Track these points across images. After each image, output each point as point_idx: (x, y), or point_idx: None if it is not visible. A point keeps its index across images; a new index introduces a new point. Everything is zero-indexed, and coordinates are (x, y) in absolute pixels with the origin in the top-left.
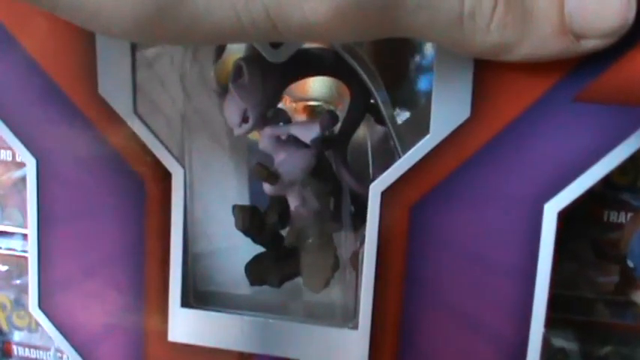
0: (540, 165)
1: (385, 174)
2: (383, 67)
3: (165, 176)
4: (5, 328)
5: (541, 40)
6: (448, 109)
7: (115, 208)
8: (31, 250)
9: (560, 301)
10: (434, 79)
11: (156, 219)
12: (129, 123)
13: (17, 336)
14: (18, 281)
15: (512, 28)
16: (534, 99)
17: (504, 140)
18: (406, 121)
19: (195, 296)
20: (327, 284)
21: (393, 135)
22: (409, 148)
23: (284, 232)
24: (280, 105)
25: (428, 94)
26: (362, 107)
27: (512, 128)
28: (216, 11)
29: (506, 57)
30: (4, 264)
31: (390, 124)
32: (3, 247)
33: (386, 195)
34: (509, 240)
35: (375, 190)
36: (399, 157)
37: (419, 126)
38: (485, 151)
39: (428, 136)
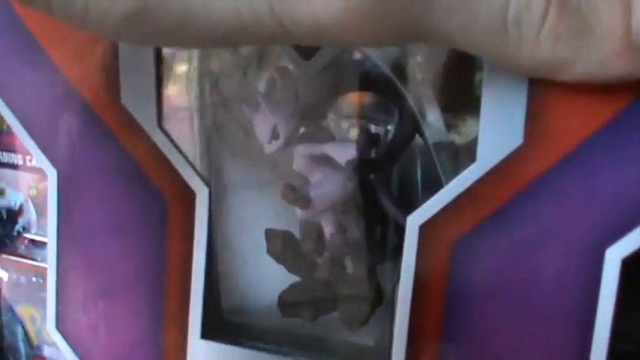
0: (603, 203)
1: (425, 205)
2: (440, 85)
3: (189, 195)
4: (35, 341)
5: (601, 59)
6: (498, 134)
7: (137, 227)
8: (50, 267)
9: (623, 358)
10: (482, 99)
11: (178, 241)
12: (152, 137)
13: (47, 351)
14: None
15: (567, 41)
16: (598, 126)
17: (561, 172)
18: (455, 147)
19: (219, 326)
20: (365, 322)
21: (437, 162)
22: (453, 177)
23: (320, 260)
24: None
25: None
26: (410, 128)
27: (570, 159)
28: (214, 4)
29: (559, 76)
30: (36, 276)
31: (433, 150)
32: (38, 258)
33: (425, 229)
34: (565, 286)
35: (413, 223)
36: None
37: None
38: (538, 183)
39: (474, 164)
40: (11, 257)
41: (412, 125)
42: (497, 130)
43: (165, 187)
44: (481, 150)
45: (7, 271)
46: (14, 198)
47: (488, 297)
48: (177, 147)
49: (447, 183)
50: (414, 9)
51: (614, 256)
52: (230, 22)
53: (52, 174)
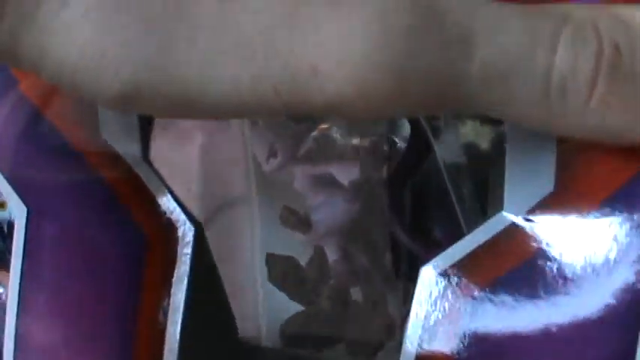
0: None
1: (442, 255)
2: None
3: (173, 233)
4: None
5: None
6: (526, 180)
7: (111, 267)
8: (9, 313)
9: None
10: (508, 141)
11: (156, 284)
12: (137, 170)
13: None
14: None
15: (620, 111)
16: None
17: (596, 223)
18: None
19: None
20: (374, 354)
21: (449, 186)
22: (473, 214)
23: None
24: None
25: None
26: (423, 146)
27: (606, 207)
28: (213, 89)
29: (615, 142)
30: None
31: (444, 171)
32: None
33: (441, 280)
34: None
35: (429, 271)
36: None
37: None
38: (571, 235)
39: (500, 214)
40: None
41: (425, 142)
42: (525, 175)
43: (148, 227)
44: (508, 197)
45: (4, 287)
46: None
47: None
48: (163, 181)
49: (460, 209)
50: (439, 85)
51: None
52: (231, 105)
53: (21, 212)
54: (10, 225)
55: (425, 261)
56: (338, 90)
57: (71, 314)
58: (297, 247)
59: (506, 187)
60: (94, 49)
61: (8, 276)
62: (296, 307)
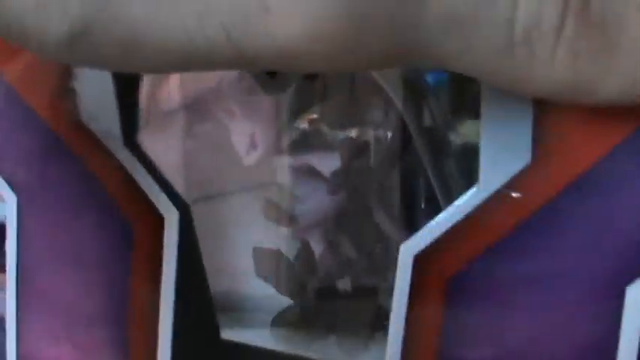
0: (623, 231)
1: (419, 234)
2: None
3: (158, 220)
4: None
5: (630, 82)
6: (502, 152)
7: (100, 256)
8: (9, 302)
9: None
10: (482, 113)
11: (144, 272)
12: (119, 156)
13: None
14: None
15: (588, 61)
16: (619, 140)
17: (575, 196)
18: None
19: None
20: (365, 346)
21: (433, 180)
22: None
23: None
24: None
25: None
26: (409, 135)
27: (586, 180)
28: (163, 30)
29: (584, 101)
30: None
31: (429, 165)
32: None
33: (419, 260)
34: (578, 330)
35: (406, 253)
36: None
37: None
38: (549, 209)
39: (474, 188)
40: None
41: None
42: (501, 147)
43: (131, 212)
44: (483, 171)
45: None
46: (4, 211)
47: (488, 340)
48: (146, 167)
49: (443, 197)
50: (396, 33)
51: (636, 295)
52: (182, 48)
53: (11, 200)
54: (1, 225)
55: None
56: (288, 30)
57: (62, 306)
58: (283, 241)
59: (482, 160)
60: None
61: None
62: (285, 301)
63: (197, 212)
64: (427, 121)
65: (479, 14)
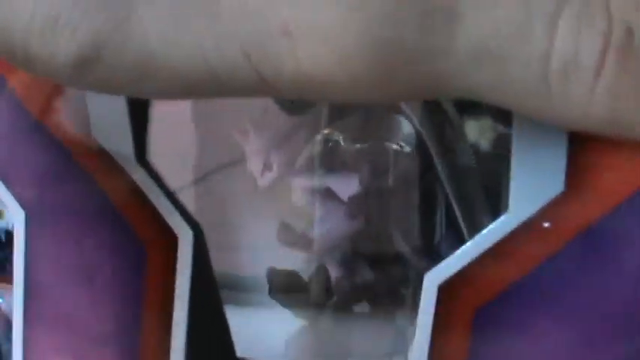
0: None
1: (444, 262)
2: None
3: (171, 240)
4: None
5: None
6: (534, 179)
7: (111, 277)
8: (15, 321)
9: None
10: (514, 135)
11: (158, 293)
12: (131, 174)
13: None
14: None
15: (630, 98)
16: None
17: (609, 227)
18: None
19: None
20: None
21: (455, 205)
22: (479, 228)
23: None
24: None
25: None
26: (429, 155)
27: (621, 211)
28: (178, 52)
29: (621, 136)
30: None
31: (450, 189)
32: None
33: (444, 290)
34: None
35: (431, 282)
36: (463, 239)
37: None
38: (581, 240)
39: (504, 216)
40: (7, 285)
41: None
42: (534, 174)
43: (144, 231)
44: (514, 198)
45: (3, 298)
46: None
47: None
48: (160, 185)
49: (470, 222)
50: (424, 63)
51: None
52: (199, 73)
53: (19, 215)
54: (9, 234)
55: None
56: (309, 54)
57: (73, 323)
58: (299, 262)
59: (512, 186)
60: (47, 9)
61: (7, 287)
62: (299, 323)
63: (209, 232)
64: (447, 139)
65: (512, 47)
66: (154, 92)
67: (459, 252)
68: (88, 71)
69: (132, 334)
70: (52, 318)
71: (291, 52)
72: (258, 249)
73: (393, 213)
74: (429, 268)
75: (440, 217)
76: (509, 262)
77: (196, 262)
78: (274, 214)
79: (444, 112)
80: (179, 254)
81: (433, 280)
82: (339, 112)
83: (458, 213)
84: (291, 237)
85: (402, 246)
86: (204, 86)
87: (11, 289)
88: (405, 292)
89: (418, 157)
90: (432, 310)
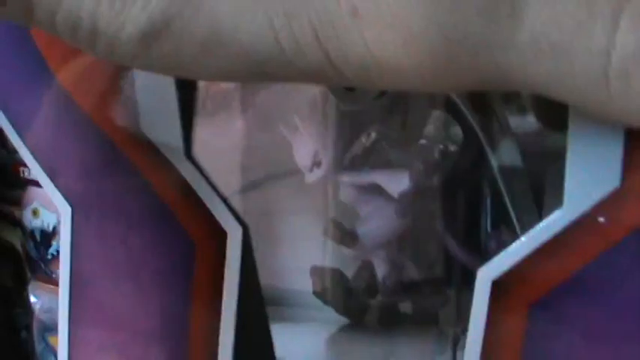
0: None
1: (499, 257)
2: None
3: (220, 236)
4: None
5: None
6: (589, 174)
7: (159, 272)
8: (61, 314)
9: None
10: (570, 129)
11: (206, 289)
12: (179, 169)
13: None
14: None
15: None
16: None
17: None
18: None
19: None
20: None
21: (508, 203)
22: (531, 223)
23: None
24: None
25: None
26: (475, 153)
27: None
28: (248, 25)
29: None
30: None
31: (502, 186)
32: None
33: (498, 286)
34: None
35: (484, 277)
36: (516, 234)
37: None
38: (638, 236)
39: (559, 210)
40: (45, 284)
41: (477, 147)
42: (589, 169)
43: (192, 226)
44: (568, 193)
45: (39, 297)
46: (48, 219)
47: None
48: (208, 180)
49: (518, 218)
50: (486, 52)
51: None
52: (266, 48)
53: (65, 211)
54: (44, 233)
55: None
56: (376, 36)
57: (119, 320)
58: (343, 259)
59: (567, 181)
60: None
61: (43, 286)
62: (342, 321)
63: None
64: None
65: (573, 42)
66: (217, 71)
67: (512, 247)
68: (155, 45)
69: (179, 330)
70: (97, 315)
71: (359, 34)
72: (301, 245)
73: (439, 211)
74: (476, 265)
75: (485, 215)
76: (564, 258)
77: (243, 259)
78: (320, 210)
79: (492, 109)
80: (228, 251)
81: (487, 275)
82: (387, 109)
83: (510, 209)
84: (340, 234)
85: (451, 244)
86: (270, 65)
87: (47, 289)
88: (449, 291)
89: (464, 155)
90: (485, 305)
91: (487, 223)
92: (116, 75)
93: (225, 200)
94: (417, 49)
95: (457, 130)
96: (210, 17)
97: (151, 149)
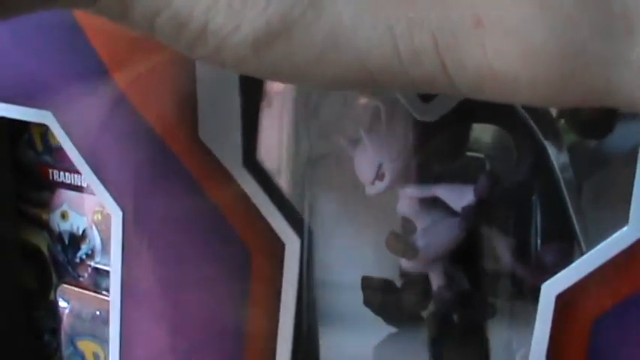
0: None
1: (563, 273)
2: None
3: (278, 247)
4: None
5: None
6: None
7: (213, 281)
8: (112, 320)
9: None
10: None
11: (262, 300)
12: (236, 178)
13: None
14: None
15: None
16: None
17: None
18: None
19: None
20: None
21: (573, 217)
22: (596, 240)
23: (424, 313)
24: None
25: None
26: (531, 167)
27: None
28: (367, 33)
29: None
30: (100, 310)
31: (568, 200)
32: (102, 289)
33: (562, 300)
34: None
35: (549, 291)
36: (580, 249)
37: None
38: None
39: (625, 228)
40: (74, 288)
41: (532, 161)
42: None
43: (249, 236)
44: (635, 211)
45: (68, 301)
46: (78, 222)
47: None
48: (266, 190)
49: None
50: (604, 64)
51: None
52: (383, 56)
53: (116, 214)
54: (72, 236)
55: (531, 284)
56: (497, 48)
57: (172, 324)
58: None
59: (634, 200)
60: None
61: (71, 290)
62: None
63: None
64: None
65: None
66: (327, 79)
67: (576, 263)
68: (267, 49)
69: (235, 340)
70: (148, 321)
71: (480, 45)
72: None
73: (495, 223)
74: (534, 278)
75: (535, 228)
76: (628, 275)
77: (301, 271)
78: (377, 220)
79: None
80: (285, 262)
81: (551, 290)
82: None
83: (576, 223)
84: (402, 246)
85: (505, 255)
86: (384, 73)
87: (76, 293)
88: (499, 303)
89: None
90: (549, 319)
91: (535, 237)
92: (176, 79)
93: (287, 210)
94: (534, 61)
95: (511, 144)
96: (331, 23)
97: (208, 156)
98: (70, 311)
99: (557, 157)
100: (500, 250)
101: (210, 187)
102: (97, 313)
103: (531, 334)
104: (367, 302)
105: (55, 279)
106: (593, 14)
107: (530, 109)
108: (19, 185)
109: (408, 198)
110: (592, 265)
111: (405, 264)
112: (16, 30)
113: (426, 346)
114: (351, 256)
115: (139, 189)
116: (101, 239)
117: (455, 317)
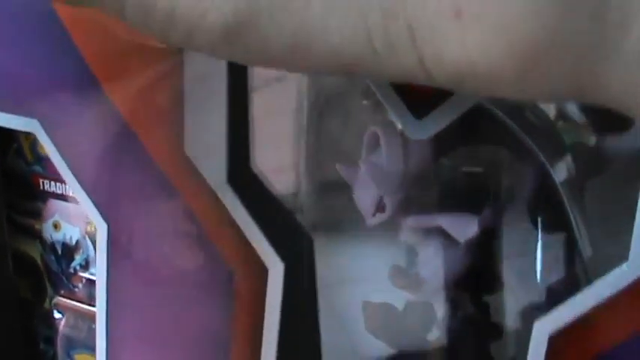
0: None
1: (556, 310)
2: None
3: (261, 271)
4: None
5: None
6: None
7: (196, 303)
8: (99, 333)
9: None
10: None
11: (245, 324)
12: (220, 195)
13: None
14: None
15: None
16: None
17: None
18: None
19: None
20: None
21: (580, 243)
22: (596, 272)
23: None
24: None
25: None
26: (533, 190)
27: None
28: (339, 26)
29: None
30: (94, 322)
31: (575, 225)
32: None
33: (557, 340)
34: None
35: (541, 331)
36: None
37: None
38: None
39: (624, 265)
40: (69, 301)
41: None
42: None
43: (232, 258)
44: (635, 245)
45: (63, 314)
46: (70, 232)
47: None
48: (250, 210)
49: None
50: (595, 56)
51: None
52: (357, 50)
53: (102, 228)
54: (65, 246)
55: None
56: (478, 40)
57: (155, 345)
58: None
59: (635, 235)
60: None
61: (66, 302)
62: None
63: None
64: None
65: None
66: (304, 68)
67: (572, 300)
68: (238, 38)
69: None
70: (133, 337)
71: (460, 37)
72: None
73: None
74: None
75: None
76: (628, 314)
77: (286, 295)
78: (380, 251)
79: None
80: (269, 286)
81: (543, 328)
82: (450, 143)
83: (584, 249)
84: (405, 279)
85: (510, 279)
86: (359, 66)
87: (71, 305)
88: (503, 325)
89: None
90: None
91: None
92: (164, 92)
93: (267, 230)
94: (520, 53)
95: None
96: (300, 14)
97: (193, 173)
98: (66, 323)
99: (559, 171)
100: (505, 274)
101: (195, 204)
102: (93, 326)
103: None
104: (368, 327)
105: (49, 289)
106: (585, 2)
107: (525, 123)
108: (11, 195)
109: (410, 228)
110: (588, 304)
111: (408, 296)
112: (1, 36)
113: None
114: (358, 281)
115: (124, 203)
116: (95, 250)
117: (459, 342)
